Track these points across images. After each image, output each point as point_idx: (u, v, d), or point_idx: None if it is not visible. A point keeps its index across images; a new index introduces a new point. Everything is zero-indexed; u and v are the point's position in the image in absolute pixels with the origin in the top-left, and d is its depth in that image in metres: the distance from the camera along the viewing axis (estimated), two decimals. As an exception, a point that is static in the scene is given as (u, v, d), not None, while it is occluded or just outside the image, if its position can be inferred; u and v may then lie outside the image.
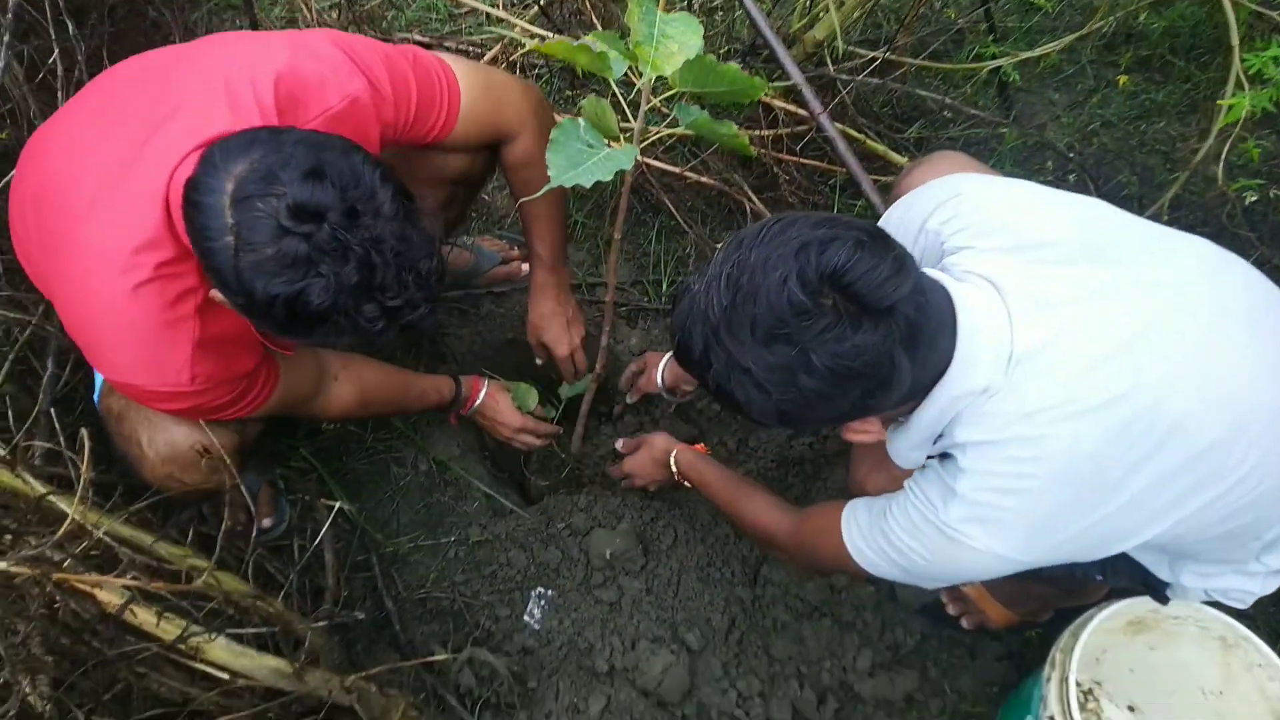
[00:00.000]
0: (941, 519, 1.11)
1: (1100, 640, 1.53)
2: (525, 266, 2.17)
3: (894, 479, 1.41)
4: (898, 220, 1.30)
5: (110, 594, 1.15)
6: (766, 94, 2.11)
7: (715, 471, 1.68)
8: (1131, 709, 1.72)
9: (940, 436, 1.13)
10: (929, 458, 1.18)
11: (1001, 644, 1.76)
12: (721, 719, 1.64)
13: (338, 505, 1.39)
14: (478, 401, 1.87)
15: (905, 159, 2.15)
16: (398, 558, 1.84)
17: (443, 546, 1.86)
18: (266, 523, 1.72)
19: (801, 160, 2.20)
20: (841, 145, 2.06)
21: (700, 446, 1.84)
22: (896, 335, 0.96)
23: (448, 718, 1.58)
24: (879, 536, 1.22)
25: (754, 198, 2.13)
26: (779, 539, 1.48)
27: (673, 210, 2.21)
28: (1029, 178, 2.41)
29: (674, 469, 1.76)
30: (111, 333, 1.21)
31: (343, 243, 1.05)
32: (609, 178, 1.24)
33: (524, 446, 1.95)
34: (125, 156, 1.16)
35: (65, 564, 0.97)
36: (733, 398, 1.02)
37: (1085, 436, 1.03)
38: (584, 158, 1.26)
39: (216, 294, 1.15)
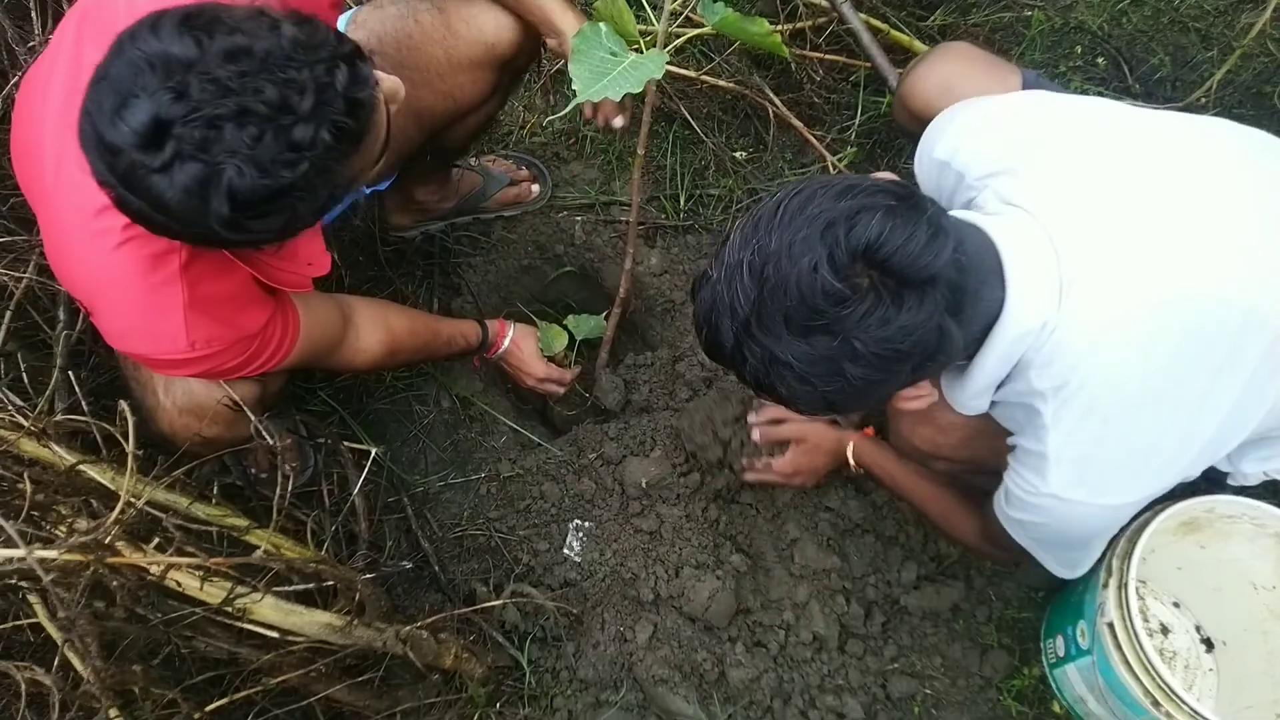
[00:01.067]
0: (1047, 493, 1.08)
1: (1149, 541, 1.53)
2: (535, 187, 2.09)
3: (940, 428, 1.39)
4: (925, 167, 1.25)
5: (150, 558, 1.13)
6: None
7: (898, 466, 1.56)
8: (1176, 605, 1.74)
9: (1006, 381, 1.09)
10: (997, 403, 1.15)
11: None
12: (769, 635, 1.65)
13: (372, 451, 1.34)
14: (502, 347, 1.82)
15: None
16: (429, 497, 1.83)
17: (473, 483, 1.84)
18: (289, 470, 1.69)
19: (824, 56, 2.10)
20: (865, 37, 1.96)
21: (869, 430, 1.70)
22: (942, 304, 0.91)
23: (496, 654, 1.58)
24: (1016, 529, 1.21)
25: (776, 100, 2.03)
26: (972, 543, 1.45)
27: (689, 118, 2.12)
28: (1057, 63, 2.34)
29: (851, 461, 1.63)
30: (101, 300, 1.16)
31: (205, 123, 0.88)
32: (639, 89, 1.16)
33: (547, 395, 1.93)
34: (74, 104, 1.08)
35: (111, 541, 0.93)
36: (775, 391, 0.98)
37: (1158, 351, 1.00)
38: (609, 66, 1.18)
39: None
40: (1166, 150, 1.08)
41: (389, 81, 1.12)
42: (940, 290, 0.91)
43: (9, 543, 0.83)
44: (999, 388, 1.10)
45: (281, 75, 0.90)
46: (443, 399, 1.91)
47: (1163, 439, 1.04)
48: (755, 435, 1.67)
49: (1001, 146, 1.12)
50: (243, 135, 0.89)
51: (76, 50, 1.12)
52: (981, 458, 1.36)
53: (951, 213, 1.01)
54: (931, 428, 1.42)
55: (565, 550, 1.74)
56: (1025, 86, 1.40)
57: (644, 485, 1.77)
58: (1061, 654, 1.58)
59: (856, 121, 2.13)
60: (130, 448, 0.92)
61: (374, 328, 1.54)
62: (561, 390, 1.91)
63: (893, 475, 1.56)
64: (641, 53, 1.22)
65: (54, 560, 0.82)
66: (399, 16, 1.52)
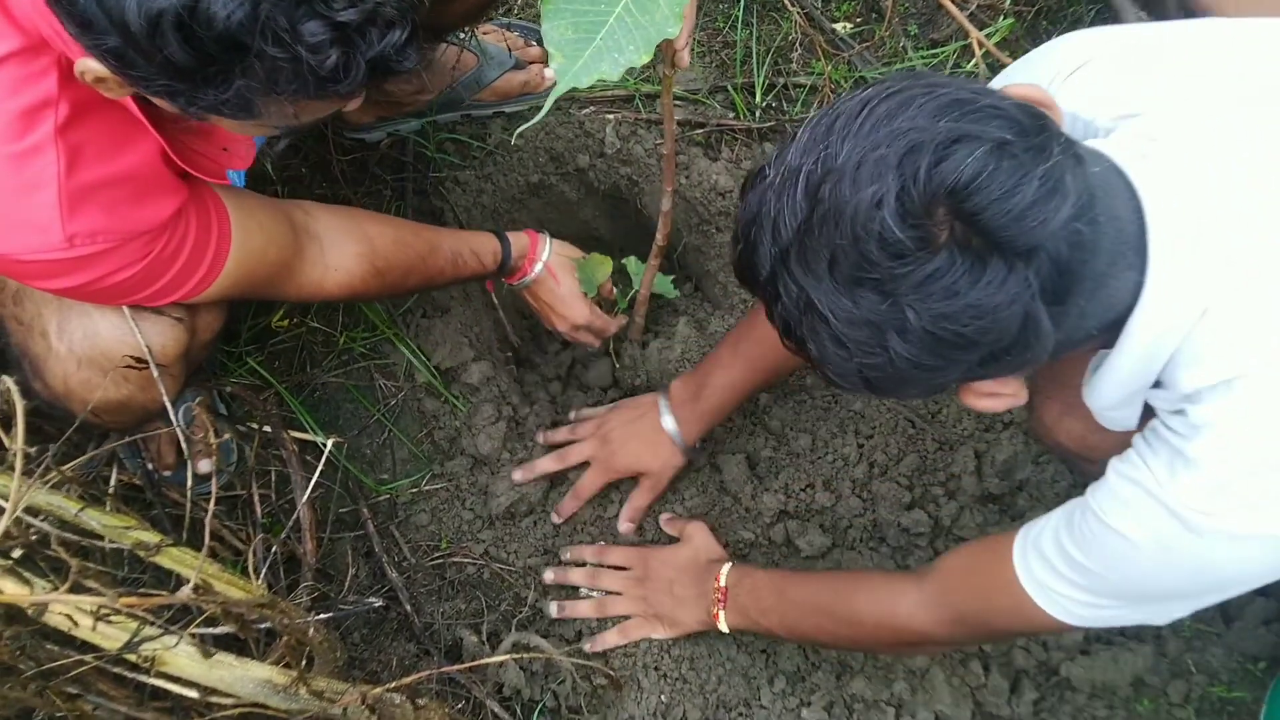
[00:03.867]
0: (1170, 493, 1.06)
1: None
2: (549, 71, 2.09)
3: (1094, 425, 1.38)
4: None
5: (15, 585, 1.16)
6: None
7: (779, 593, 1.60)
8: None
9: (1156, 388, 1.09)
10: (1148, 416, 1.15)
11: (1270, 599, 1.77)
12: (872, 714, 1.69)
13: (327, 445, 1.36)
14: (532, 273, 1.84)
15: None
16: (397, 509, 1.86)
17: (459, 491, 1.87)
18: (205, 466, 1.72)
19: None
20: None
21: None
22: (1034, 285, 0.92)
23: (491, 728, 1.62)
24: (1074, 560, 1.18)
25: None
26: (920, 626, 1.43)
27: (768, -27, 2.11)
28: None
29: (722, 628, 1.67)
30: None
31: None
32: (649, 54, 1.11)
33: (581, 344, 1.95)
34: None
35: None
36: (805, 346, 1.01)
37: None
38: (603, 7, 1.12)
39: (89, 65, 1.06)
40: None
41: None
42: (1038, 267, 0.91)
43: None
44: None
45: None
46: (415, 373, 1.94)
47: None
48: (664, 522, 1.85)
49: (1143, 83, 1.14)
50: None
51: None
52: None
53: (1087, 142, 1.02)
54: (1083, 424, 1.42)
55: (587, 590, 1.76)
56: None
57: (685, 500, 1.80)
58: (1292, 749, 1.59)
59: (1014, -20, 2.12)
60: (19, 441, 0.94)
61: (345, 239, 1.55)
62: (597, 343, 1.94)
63: (782, 605, 1.59)
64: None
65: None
66: None
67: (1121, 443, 1.38)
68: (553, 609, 1.76)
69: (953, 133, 0.91)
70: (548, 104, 1.14)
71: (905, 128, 0.92)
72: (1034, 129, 0.94)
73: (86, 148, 1.17)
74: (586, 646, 1.74)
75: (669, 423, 1.79)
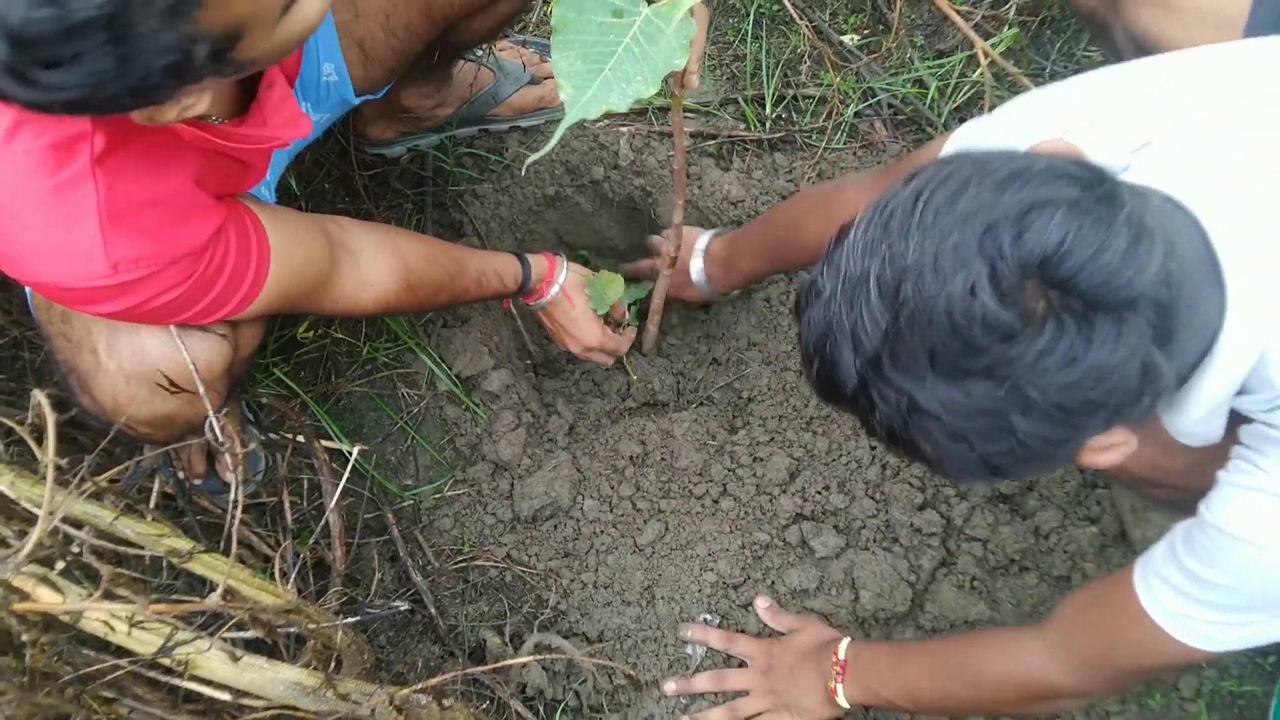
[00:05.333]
0: None
1: None
2: (565, 86, 2.10)
3: (1165, 447, 1.33)
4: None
5: (56, 596, 1.16)
6: None
7: (897, 660, 1.55)
8: None
9: (1242, 392, 1.07)
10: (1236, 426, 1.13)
11: None
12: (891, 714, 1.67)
13: (353, 453, 1.37)
14: (548, 295, 1.85)
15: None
16: (420, 514, 1.86)
17: (480, 496, 1.87)
18: (230, 476, 1.73)
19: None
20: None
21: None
22: (1147, 333, 0.90)
23: (515, 728, 1.62)
24: (1202, 579, 1.14)
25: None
26: (1047, 677, 1.37)
27: (778, -12, 2.11)
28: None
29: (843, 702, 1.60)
30: None
31: None
32: (655, 87, 1.09)
33: (595, 363, 1.96)
34: None
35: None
36: (916, 449, 0.98)
37: None
38: (610, 43, 1.10)
39: None
40: None
41: None
42: (1144, 315, 0.90)
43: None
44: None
45: None
46: (438, 381, 1.94)
47: None
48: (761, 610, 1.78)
49: (1141, 115, 1.13)
50: None
51: None
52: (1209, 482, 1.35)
53: (1130, 180, 1.00)
54: (1154, 447, 1.39)
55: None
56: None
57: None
58: (1302, 743, 1.58)
59: (1018, -9, 2.12)
60: (50, 454, 0.95)
61: (380, 254, 1.56)
62: (609, 362, 1.94)
63: (903, 679, 1.53)
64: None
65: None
66: None
67: (1192, 462, 1.37)
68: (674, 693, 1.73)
69: (1024, 202, 0.89)
70: (556, 135, 1.12)
71: (972, 209, 0.90)
72: (1096, 180, 0.92)
73: (124, 175, 1.17)
74: None
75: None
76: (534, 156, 1.27)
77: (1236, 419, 1.12)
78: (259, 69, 1.13)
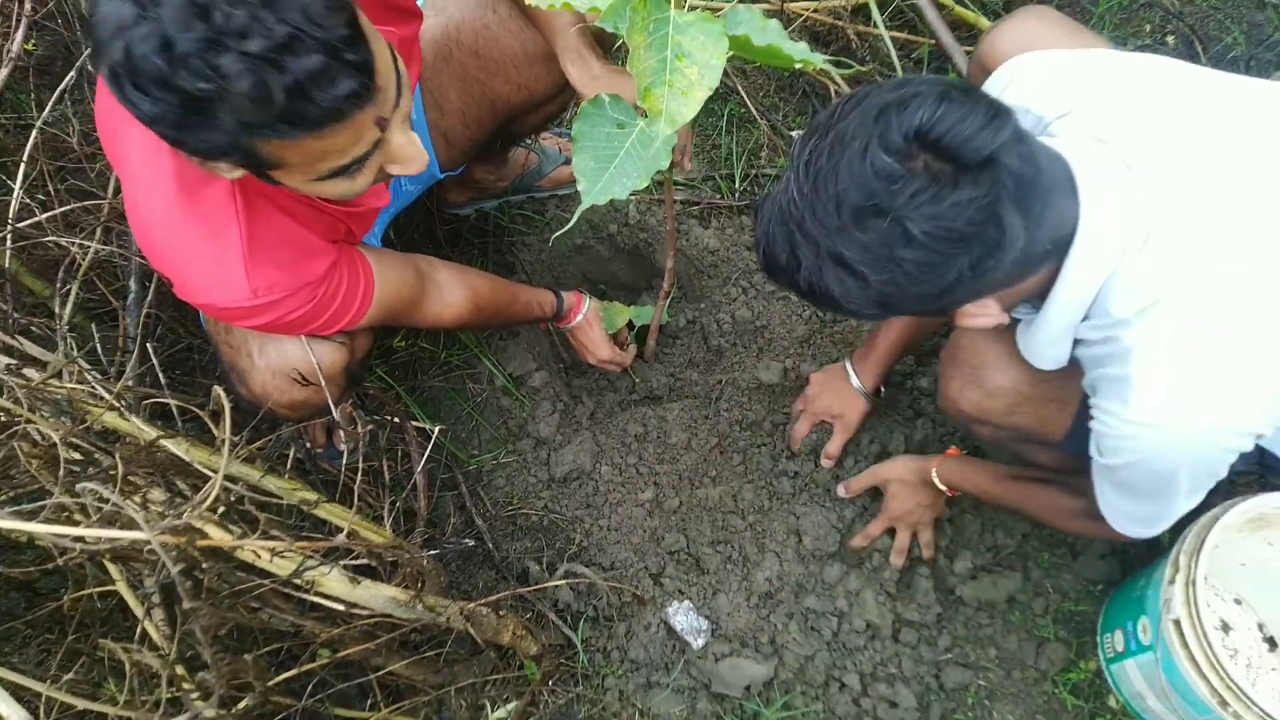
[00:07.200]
0: (1128, 419, 1.01)
1: (1215, 536, 1.51)
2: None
3: (988, 393, 1.34)
4: None
5: (218, 531, 1.16)
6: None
7: (988, 475, 1.53)
8: (1238, 601, 1.71)
9: (1084, 319, 1.04)
10: (1077, 352, 1.10)
11: (1104, 542, 1.75)
12: (822, 621, 1.67)
13: (434, 431, 1.37)
14: (574, 321, 1.84)
15: (997, 28, 2.01)
16: (481, 475, 1.85)
17: (525, 463, 1.86)
18: (343, 446, 1.72)
19: (885, 32, 2.07)
20: (930, 12, 1.94)
21: (953, 450, 1.67)
22: (1001, 189, 0.88)
23: (550, 633, 1.60)
24: (1106, 478, 1.14)
25: (837, 77, 2.01)
26: (1080, 528, 1.40)
27: (744, 96, 2.10)
28: (1124, 40, 2.29)
29: (940, 486, 1.59)
30: (170, 251, 1.19)
31: None
32: (645, 182, 1.06)
33: (607, 372, 1.95)
34: None
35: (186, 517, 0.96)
36: (829, 294, 0.95)
37: (1260, 273, 0.96)
38: (615, 147, 1.08)
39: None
40: (1257, 114, 1.05)
41: (407, 146, 1.08)
42: (1001, 174, 0.88)
43: (129, 523, 0.86)
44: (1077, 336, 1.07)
45: (267, 11, 0.86)
46: (495, 378, 1.93)
47: (1259, 361, 0.98)
48: (841, 491, 1.74)
49: (1080, 85, 1.09)
50: (184, 20, 0.84)
51: None
52: (1028, 426, 1.33)
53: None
54: (979, 391, 1.37)
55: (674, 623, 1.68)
56: None
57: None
58: (1120, 649, 1.57)
59: (919, 101, 2.10)
60: (225, 433, 0.94)
61: (457, 285, 1.56)
62: (619, 370, 1.93)
63: (985, 487, 1.52)
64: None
65: (147, 542, 0.84)
66: (478, 5, 1.53)
67: (1006, 408, 1.34)
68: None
69: (907, 94, 0.89)
70: (575, 217, 1.12)
71: (871, 104, 0.90)
72: (966, 86, 0.92)
73: (260, 223, 1.18)
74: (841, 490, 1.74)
75: (853, 378, 1.73)
76: (561, 230, 1.26)
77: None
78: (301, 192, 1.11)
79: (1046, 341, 1.09)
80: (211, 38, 0.85)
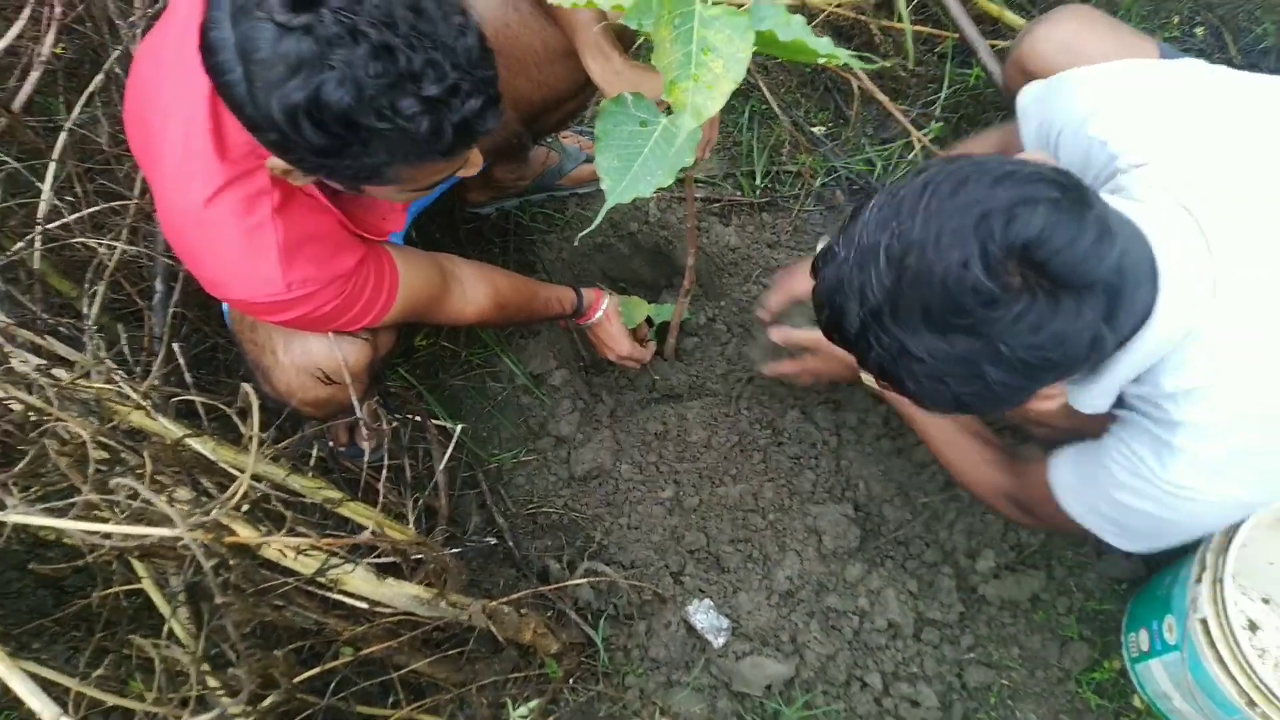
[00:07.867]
0: (1163, 479, 1.03)
1: (1243, 534, 1.50)
2: (609, 165, 2.09)
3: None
4: (1036, 112, 1.20)
5: (246, 528, 1.17)
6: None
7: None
8: (1266, 600, 1.69)
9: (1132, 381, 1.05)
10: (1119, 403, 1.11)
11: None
12: (843, 620, 1.66)
13: (456, 430, 1.37)
14: (594, 318, 1.84)
15: (1022, 21, 1.99)
16: (502, 474, 1.86)
17: (546, 461, 1.87)
18: (366, 445, 1.74)
19: (907, 26, 2.05)
20: (954, 6, 1.92)
21: None
22: (1100, 311, 0.87)
23: (570, 631, 1.61)
24: (1094, 500, 1.15)
25: (860, 71, 2.00)
26: (987, 497, 1.39)
27: (765, 92, 2.09)
28: (1154, 33, 2.26)
29: (868, 381, 1.52)
30: (204, 249, 1.21)
31: (350, 26, 0.91)
32: (670, 180, 1.05)
33: (626, 369, 1.95)
34: (187, 56, 1.11)
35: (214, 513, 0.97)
36: (900, 384, 0.94)
37: None
38: (639, 144, 1.07)
39: (274, 161, 1.08)
40: None
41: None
42: (1100, 296, 0.86)
43: (159, 520, 0.87)
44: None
45: (439, 55, 0.95)
46: (516, 377, 1.94)
47: None
48: (774, 336, 1.63)
49: (1159, 128, 1.06)
50: (370, 63, 0.93)
51: (190, 18, 1.16)
52: (1088, 429, 1.33)
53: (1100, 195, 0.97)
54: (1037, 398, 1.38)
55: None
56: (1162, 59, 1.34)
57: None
58: (1145, 649, 1.56)
59: (943, 95, 2.09)
60: (254, 430, 0.95)
61: (479, 282, 1.58)
62: (638, 366, 1.93)
63: (911, 411, 1.49)
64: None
65: (177, 539, 0.85)
66: (500, 3, 1.53)
67: (1066, 409, 1.35)
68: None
69: (1014, 198, 0.85)
70: (598, 218, 1.11)
71: (971, 200, 0.86)
72: (1072, 186, 0.88)
73: (294, 221, 1.20)
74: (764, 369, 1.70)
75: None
76: (586, 230, 1.26)
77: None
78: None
79: (1095, 395, 1.09)
80: (394, 81, 0.94)
